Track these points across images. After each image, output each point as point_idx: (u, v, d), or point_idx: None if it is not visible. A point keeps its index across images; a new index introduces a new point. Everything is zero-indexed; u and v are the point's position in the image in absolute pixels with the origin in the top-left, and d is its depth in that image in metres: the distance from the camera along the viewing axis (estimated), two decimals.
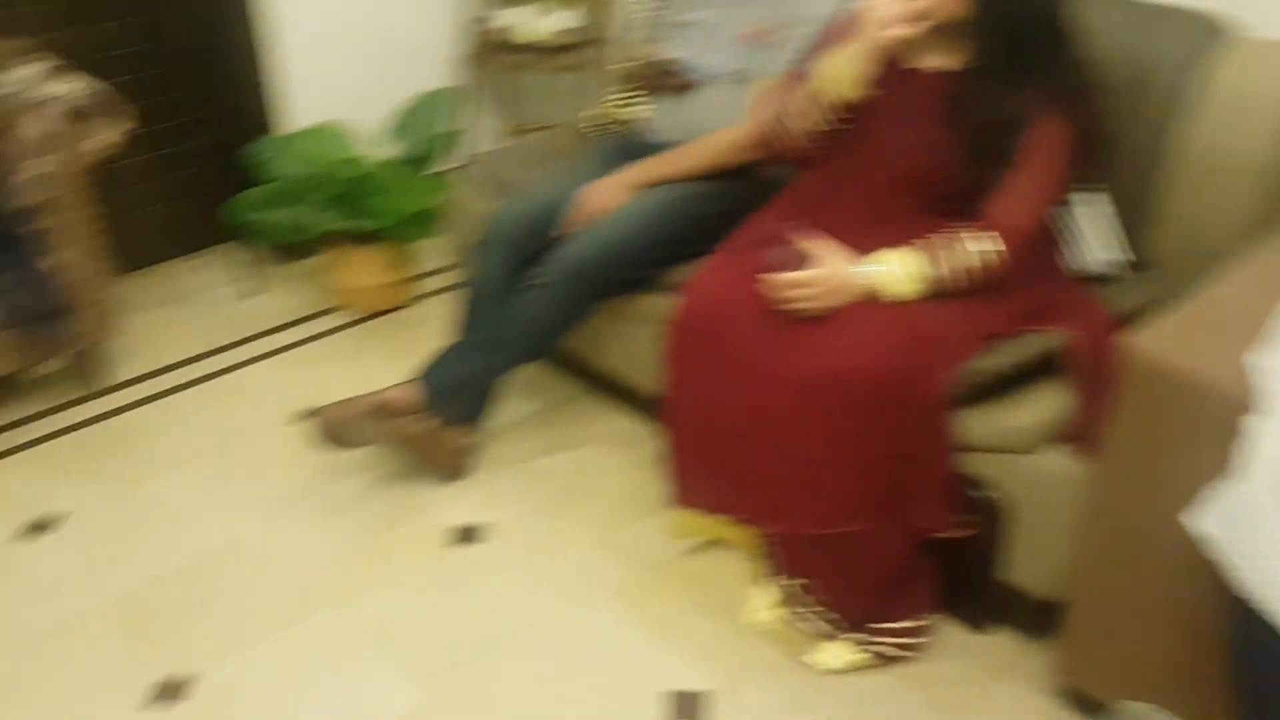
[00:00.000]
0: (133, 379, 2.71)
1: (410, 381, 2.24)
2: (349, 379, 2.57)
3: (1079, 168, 1.79)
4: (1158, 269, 1.94)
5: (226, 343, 2.86)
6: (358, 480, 2.33)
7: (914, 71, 1.82)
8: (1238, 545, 1.20)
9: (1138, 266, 1.96)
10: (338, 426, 2.20)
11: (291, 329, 2.93)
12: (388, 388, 2.24)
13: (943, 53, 1.79)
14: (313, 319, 2.98)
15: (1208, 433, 1.31)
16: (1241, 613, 1.21)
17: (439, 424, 2.24)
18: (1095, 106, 1.80)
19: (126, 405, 2.61)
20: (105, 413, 2.59)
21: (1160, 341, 1.41)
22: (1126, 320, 1.72)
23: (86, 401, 2.63)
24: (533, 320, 2.18)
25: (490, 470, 2.35)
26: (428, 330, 2.79)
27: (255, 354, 2.82)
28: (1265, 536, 1.16)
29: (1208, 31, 1.87)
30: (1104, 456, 1.53)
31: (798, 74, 1.92)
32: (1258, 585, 1.17)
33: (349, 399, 2.22)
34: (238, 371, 2.75)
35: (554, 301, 2.16)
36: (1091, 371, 1.67)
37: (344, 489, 2.31)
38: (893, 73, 1.82)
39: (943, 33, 1.75)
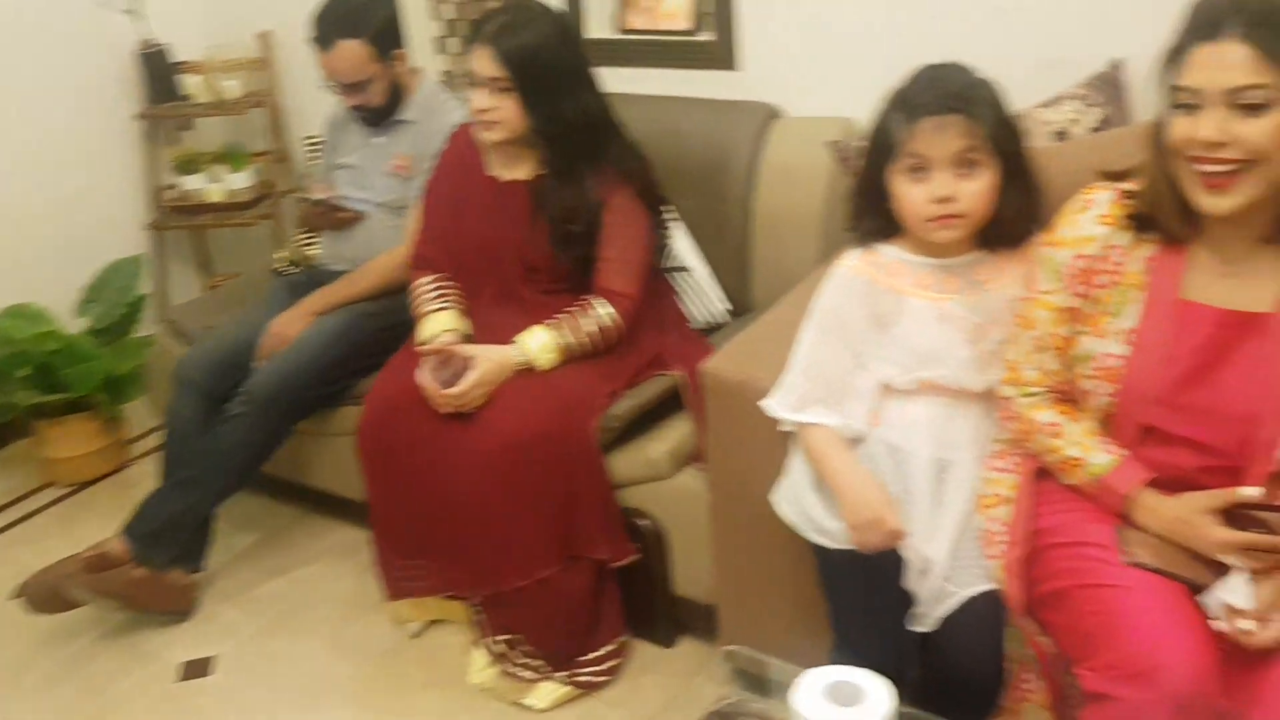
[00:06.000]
0: None
1: (118, 534, 2.36)
2: (70, 549, 2.54)
3: (658, 225, 2.24)
4: (756, 311, 2.29)
5: None
6: (81, 640, 2.41)
7: (495, 181, 2.23)
8: (794, 511, 1.70)
9: (739, 312, 2.43)
10: (48, 591, 2.28)
11: (3, 512, 2.94)
12: (96, 544, 2.34)
13: (519, 164, 2.22)
14: (26, 498, 3.00)
15: (770, 427, 1.70)
16: (818, 557, 1.71)
17: (154, 569, 2.37)
18: (650, 175, 2.21)
19: None
20: None
21: (726, 362, 1.87)
22: None
23: None
24: (230, 452, 2.38)
25: (215, 604, 2.51)
26: (145, 489, 2.80)
27: None
28: (808, 504, 1.68)
29: (766, 115, 2.43)
30: (710, 463, 1.94)
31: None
32: (812, 535, 1.68)
33: (57, 562, 2.31)
34: None
35: (248, 430, 2.38)
36: (701, 401, 1.95)
37: (66, 652, 2.38)
38: (482, 182, 2.23)
39: (514, 147, 2.18)
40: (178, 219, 3.45)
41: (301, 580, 2.59)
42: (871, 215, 1.61)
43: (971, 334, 1.60)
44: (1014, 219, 1.57)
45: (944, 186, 1.49)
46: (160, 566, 2.39)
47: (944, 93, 1.49)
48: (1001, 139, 1.50)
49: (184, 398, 2.49)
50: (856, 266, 1.64)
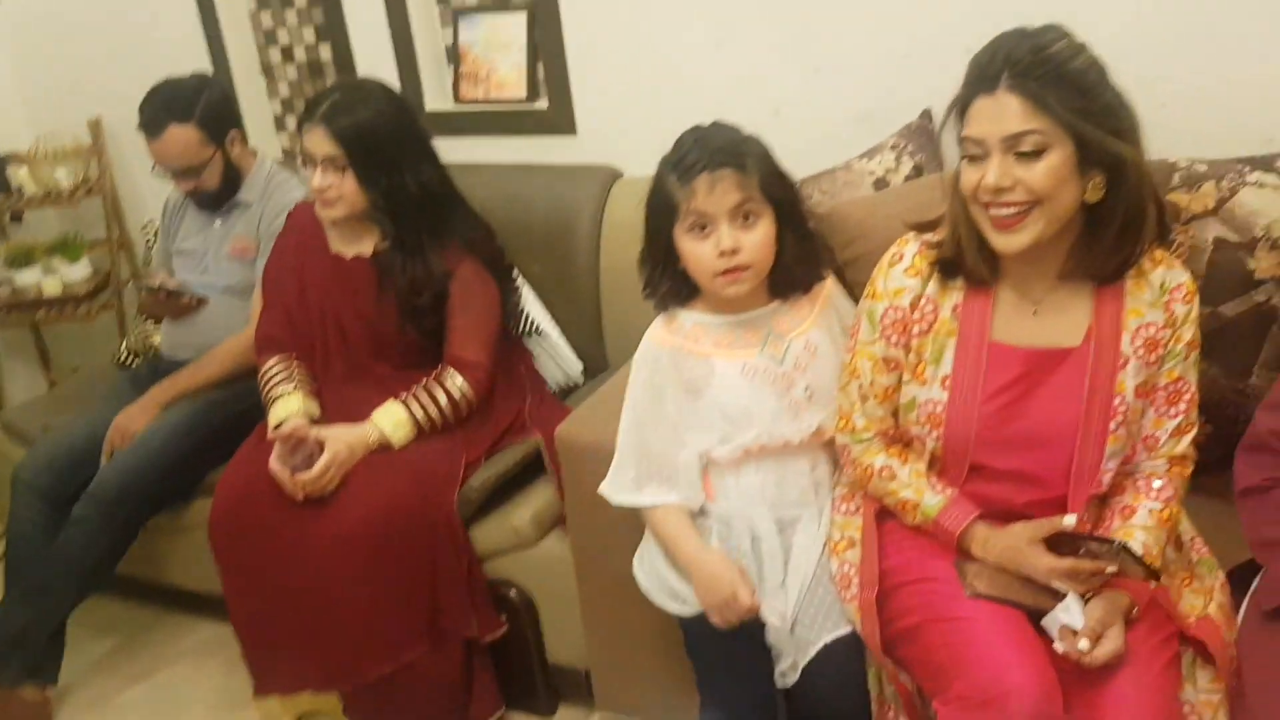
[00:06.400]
0: None
1: None
2: None
3: (506, 291, 2.24)
4: (610, 370, 2.37)
5: None
6: None
7: (338, 258, 2.22)
8: (651, 580, 1.73)
9: (594, 372, 2.45)
10: None
11: None
12: None
13: (361, 239, 2.21)
14: None
15: None
16: (679, 622, 1.73)
17: (4, 687, 2.26)
18: (495, 243, 2.25)
19: None
20: None
21: (578, 426, 1.90)
22: None
23: None
24: (77, 557, 2.28)
25: (73, 717, 2.39)
26: None
27: None
28: (663, 573, 1.70)
29: (608, 177, 2.47)
30: (570, 529, 1.96)
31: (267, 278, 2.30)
32: (668, 605, 1.71)
33: None
34: None
35: (94, 533, 2.29)
36: (559, 464, 1.98)
37: None
38: (324, 260, 2.22)
39: (355, 223, 2.17)
40: (13, 316, 3.32)
41: (165, 684, 2.49)
42: (665, 279, 1.65)
43: (779, 384, 1.65)
44: (796, 264, 1.63)
45: (727, 239, 1.54)
46: (10, 683, 2.28)
47: (713, 149, 1.54)
48: (773, 188, 1.56)
49: (25, 503, 2.38)
50: (660, 337, 1.68)
